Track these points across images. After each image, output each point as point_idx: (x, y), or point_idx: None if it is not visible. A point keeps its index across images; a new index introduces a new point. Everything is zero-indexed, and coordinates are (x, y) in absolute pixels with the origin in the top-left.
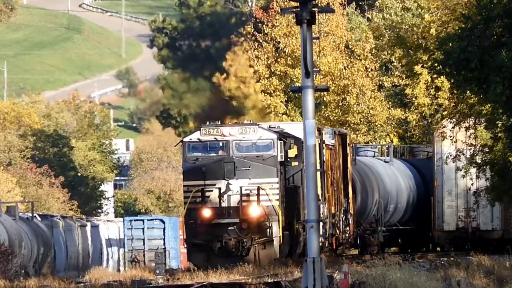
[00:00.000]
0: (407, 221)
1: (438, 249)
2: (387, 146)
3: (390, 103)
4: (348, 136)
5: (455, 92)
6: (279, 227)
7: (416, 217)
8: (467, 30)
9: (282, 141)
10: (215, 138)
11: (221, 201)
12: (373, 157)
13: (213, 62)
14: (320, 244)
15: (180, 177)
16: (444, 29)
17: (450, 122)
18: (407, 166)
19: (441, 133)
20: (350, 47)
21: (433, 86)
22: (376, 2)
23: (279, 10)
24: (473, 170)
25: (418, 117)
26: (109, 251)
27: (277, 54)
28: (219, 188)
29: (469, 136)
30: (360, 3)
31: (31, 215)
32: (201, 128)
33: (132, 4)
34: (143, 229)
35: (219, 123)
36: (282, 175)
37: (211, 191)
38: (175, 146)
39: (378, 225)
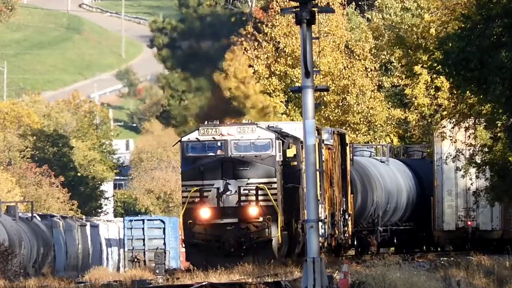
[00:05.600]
0: (405, 221)
1: (432, 248)
2: (382, 146)
3: (390, 103)
4: (347, 136)
5: (455, 92)
6: (277, 227)
7: (413, 217)
8: (467, 30)
9: (281, 141)
10: (213, 137)
11: (220, 201)
12: (370, 157)
13: (213, 62)
14: (320, 244)
15: (180, 177)
16: (444, 29)
17: (450, 122)
18: (404, 166)
19: (440, 133)
20: (350, 47)
21: (433, 86)
22: (376, 2)
23: (279, 10)
24: (472, 170)
25: (418, 117)
26: (109, 251)
27: (277, 54)
28: (218, 188)
29: (469, 136)
30: (360, 3)
31: (31, 215)
32: (200, 128)
33: (132, 4)
34: (143, 229)
35: (218, 122)
36: (280, 175)
37: (210, 191)
38: (173, 145)
39: (376, 225)
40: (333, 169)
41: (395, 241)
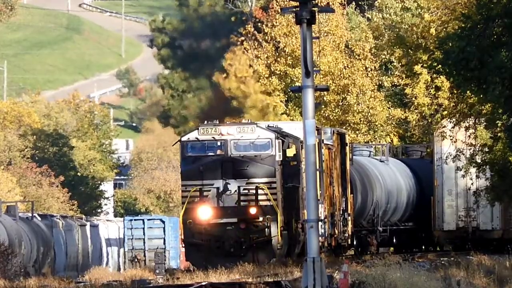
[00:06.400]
0: (405, 221)
1: (432, 248)
2: (382, 145)
3: (390, 102)
4: (347, 135)
5: (455, 92)
6: (277, 227)
7: (413, 217)
8: (467, 30)
9: (281, 140)
10: (213, 137)
11: (219, 201)
12: (369, 156)
13: (213, 62)
14: (320, 244)
15: (180, 176)
16: (444, 29)
17: (450, 122)
18: (403, 166)
19: (441, 133)
20: (350, 47)
21: (433, 86)
22: (376, 2)
23: (279, 10)
24: (473, 170)
25: (418, 117)
26: (109, 251)
27: (277, 54)
28: (217, 188)
29: (469, 136)
30: (360, 3)
31: (31, 215)
32: (199, 127)
33: (132, 4)
34: (143, 228)
35: (218, 122)
36: (280, 174)
37: (209, 190)
38: (173, 145)
39: (375, 225)
40: (333, 169)
41: (394, 241)
